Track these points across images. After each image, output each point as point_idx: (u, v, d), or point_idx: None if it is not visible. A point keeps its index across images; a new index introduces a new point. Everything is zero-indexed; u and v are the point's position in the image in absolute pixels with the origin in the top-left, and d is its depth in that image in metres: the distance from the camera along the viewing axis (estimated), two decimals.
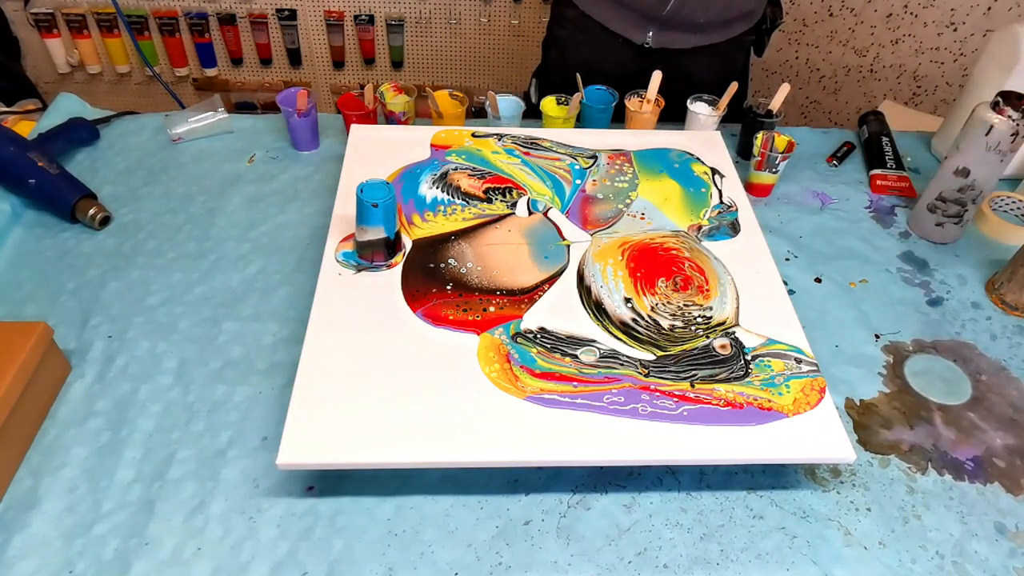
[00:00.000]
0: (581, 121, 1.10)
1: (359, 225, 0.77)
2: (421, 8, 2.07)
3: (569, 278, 0.80)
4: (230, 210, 0.97)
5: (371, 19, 2.08)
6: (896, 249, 0.98)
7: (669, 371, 0.71)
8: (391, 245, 0.79)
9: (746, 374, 0.71)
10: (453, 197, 0.90)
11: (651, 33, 1.11)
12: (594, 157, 0.98)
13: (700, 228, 0.88)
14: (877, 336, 0.86)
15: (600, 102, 1.08)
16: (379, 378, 0.69)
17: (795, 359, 0.73)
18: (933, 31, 2.04)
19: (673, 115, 1.10)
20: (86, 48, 2.09)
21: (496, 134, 1.01)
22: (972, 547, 0.67)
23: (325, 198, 0.98)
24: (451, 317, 0.75)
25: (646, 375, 0.71)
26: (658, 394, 0.69)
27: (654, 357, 0.72)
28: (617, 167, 0.97)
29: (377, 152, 0.96)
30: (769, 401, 0.69)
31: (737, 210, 0.91)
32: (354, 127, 1.01)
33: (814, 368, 0.72)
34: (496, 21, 2.09)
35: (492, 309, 0.76)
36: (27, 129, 1.06)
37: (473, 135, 1.00)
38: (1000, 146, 0.87)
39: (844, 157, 1.13)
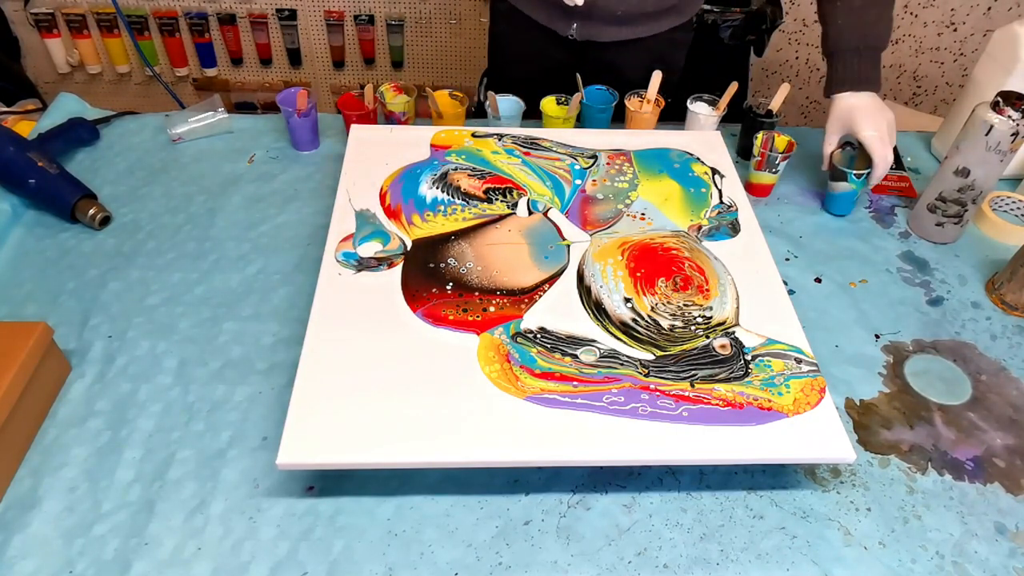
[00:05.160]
0: (581, 121, 1.10)
1: None
2: (421, 8, 2.07)
3: (569, 278, 0.80)
4: (230, 210, 0.97)
5: (371, 19, 2.08)
6: (896, 249, 0.98)
7: (669, 371, 0.71)
8: None
9: (746, 374, 0.71)
10: (453, 197, 0.90)
11: (575, 25, 1.10)
12: (594, 157, 0.98)
13: (700, 228, 0.88)
14: (877, 336, 0.86)
15: (600, 102, 1.08)
16: (379, 378, 0.69)
17: (795, 359, 0.73)
18: (933, 31, 2.04)
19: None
20: (86, 48, 2.09)
21: (496, 134, 1.01)
22: (972, 547, 0.67)
23: (325, 198, 0.98)
24: (451, 317, 0.75)
25: (646, 375, 0.71)
26: (658, 394, 0.69)
27: (654, 357, 0.73)
28: (617, 167, 0.97)
29: (377, 152, 0.96)
30: (769, 401, 0.69)
31: (737, 210, 0.91)
32: (354, 127, 1.01)
33: (814, 368, 0.72)
34: None
35: (492, 309, 0.76)
36: (27, 129, 1.06)
37: (473, 135, 1.00)
38: (1000, 146, 0.87)
39: None
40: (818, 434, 0.67)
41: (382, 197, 0.89)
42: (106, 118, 1.10)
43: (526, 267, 0.81)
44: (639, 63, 1.12)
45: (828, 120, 0.99)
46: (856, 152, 1.01)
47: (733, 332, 0.75)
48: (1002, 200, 1.04)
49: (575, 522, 0.67)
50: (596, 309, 0.77)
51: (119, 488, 0.67)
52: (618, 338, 0.74)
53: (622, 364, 0.71)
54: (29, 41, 2.08)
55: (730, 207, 0.92)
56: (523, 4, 1.13)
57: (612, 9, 1.06)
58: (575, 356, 0.72)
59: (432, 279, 0.79)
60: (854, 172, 0.96)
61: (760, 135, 1.01)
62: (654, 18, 1.11)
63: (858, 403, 0.78)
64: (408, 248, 0.83)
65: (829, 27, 0.97)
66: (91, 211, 0.92)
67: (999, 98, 0.86)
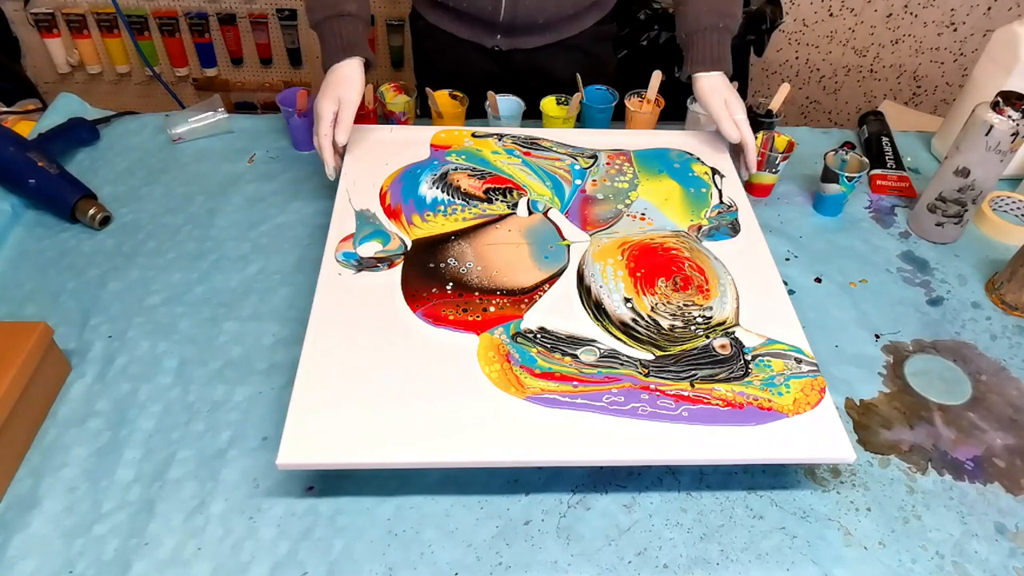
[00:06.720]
0: (581, 121, 1.10)
1: None
2: None
3: (569, 278, 0.80)
4: (230, 210, 0.97)
5: (371, 19, 2.08)
6: (896, 249, 0.98)
7: (669, 371, 0.71)
8: None
9: (746, 374, 0.71)
10: (453, 197, 0.90)
11: (499, 36, 1.11)
12: (594, 157, 0.98)
13: (700, 228, 0.88)
14: (877, 336, 0.86)
15: (600, 102, 1.08)
16: (379, 378, 0.69)
17: (795, 359, 0.73)
18: (933, 31, 2.04)
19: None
20: (86, 48, 2.09)
21: (496, 134, 1.01)
22: (972, 547, 0.67)
23: (325, 198, 0.98)
24: (451, 317, 0.75)
25: (646, 375, 0.71)
26: (658, 394, 0.69)
27: (654, 357, 0.72)
28: (617, 167, 0.97)
29: (377, 152, 0.96)
30: (769, 401, 0.69)
31: (737, 210, 0.91)
32: (354, 127, 1.00)
33: (814, 368, 0.72)
34: None
35: (492, 309, 0.76)
36: (27, 129, 1.06)
37: (473, 135, 1.00)
38: (1000, 146, 0.87)
39: None
40: (818, 434, 0.67)
41: (382, 197, 0.89)
42: (106, 118, 1.10)
43: (526, 267, 0.81)
44: (567, 63, 1.13)
45: (701, 97, 0.98)
46: (849, 155, 1.01)
47: (733, 332, 0.75)
48: (1002, 200, 1.04)
49: (575, 522, 0.67)
50: (596, 309, 0.77)
51: (119, 488, 0.67)
52: (618, 338, 0.74)
53: (622, 364, 0.71)
54: (29, 41, 2.08)
55: (730, 207, 0.92)
56: (445, 21, 1.13)
57: (534, 18, 1.07)
58: (575, 356, 0.72)
59: (432, 279, 0.79)
60: (846, 175, 0.97)
61: (760, 135, 1.01)
62: (576, 18, 1.11)
63: (858, 403, 0.78)
64: (408, 248, 0.83)
65: (687, 6, 0.97)
66: (91, 211, 0.92)
67: (999, 98, 0.86)
